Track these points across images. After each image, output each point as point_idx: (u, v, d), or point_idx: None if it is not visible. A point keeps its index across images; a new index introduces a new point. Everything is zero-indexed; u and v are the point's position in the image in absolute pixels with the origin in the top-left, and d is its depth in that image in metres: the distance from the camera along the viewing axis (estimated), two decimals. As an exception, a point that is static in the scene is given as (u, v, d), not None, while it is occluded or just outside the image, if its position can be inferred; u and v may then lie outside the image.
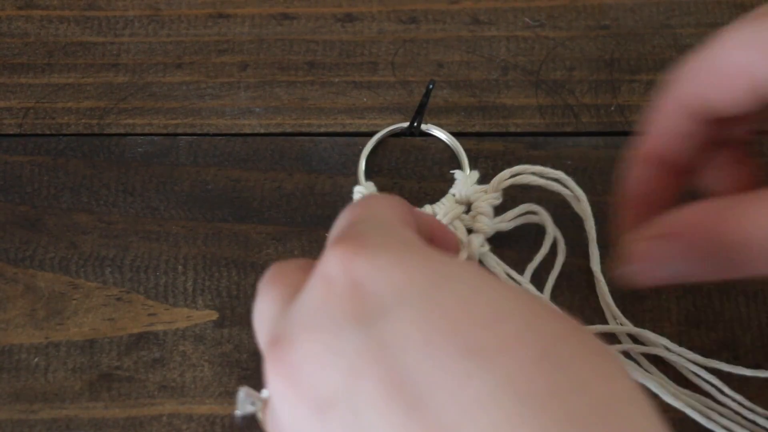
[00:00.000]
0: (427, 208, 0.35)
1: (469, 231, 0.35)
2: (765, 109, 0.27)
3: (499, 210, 0.35)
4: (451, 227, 0.34)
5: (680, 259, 0.26)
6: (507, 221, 0.35)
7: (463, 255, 0.33)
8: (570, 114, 0.38)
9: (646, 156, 0.30)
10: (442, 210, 0.35)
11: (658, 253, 0.27)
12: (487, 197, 0.34)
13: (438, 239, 0.28)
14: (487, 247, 0.34)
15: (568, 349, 0.20)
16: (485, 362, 0.20)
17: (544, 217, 0.34)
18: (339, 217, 0.26)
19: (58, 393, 0.33)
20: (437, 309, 0.21)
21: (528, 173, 0.35)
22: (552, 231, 0.34)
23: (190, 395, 0.33)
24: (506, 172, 0.35)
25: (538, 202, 0.35)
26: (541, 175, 0.35)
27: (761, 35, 0.25)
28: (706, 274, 0.28)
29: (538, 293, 0.34)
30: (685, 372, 0.33)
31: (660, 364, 0.33)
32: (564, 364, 0.20)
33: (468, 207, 0.35)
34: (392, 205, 0.26)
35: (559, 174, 0.35)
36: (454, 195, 0.35)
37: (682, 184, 0.30)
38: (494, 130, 0.38)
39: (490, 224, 0.34)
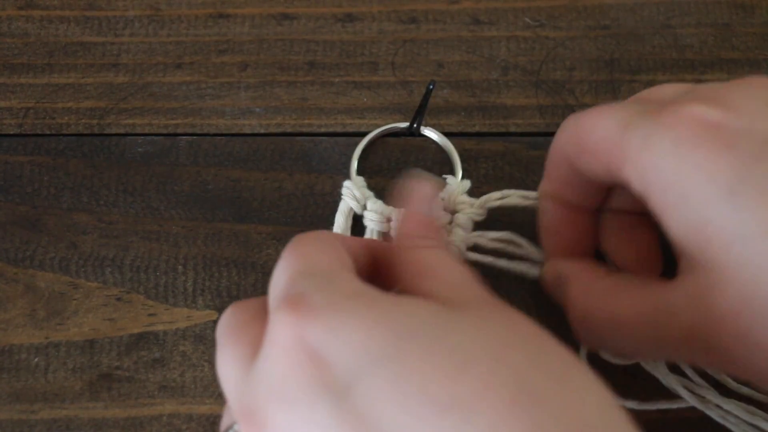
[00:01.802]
0: None
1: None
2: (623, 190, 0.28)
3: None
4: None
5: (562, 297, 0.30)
6: (486, 239, 0.34)
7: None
8: (570, 114, 0.38)
9: (548, 194, 0.31)
10: None
11: (554, 286, 0.31)
12: (471, 211, 0.34)
13: (380, 257, 0.28)
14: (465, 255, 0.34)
15: (540, 376, 0.21)
16: (463, 416, 0.20)
17: (528, 250, 0.33)
18: (276, 269, 0.25)
19: (58, 393, 0.33)
20: (403, 367, 0.21)
21: (515, 196, 0.34)
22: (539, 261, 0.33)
23: (190, 395, 0.33)
24: (495, 194, 0.34)
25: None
26: (527, 198, 0.34)
27: (623, 122, 0.27)
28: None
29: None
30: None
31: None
32: (539, 396, 0.20)
33: (453, 215, 0.35)
34: (326, 249, 0.25)
35: None
36: (443, 199, 0.35)
37: (593, 222, 0.32)
38: (494, 130, 0.38)
39: (465, 238, 0.34)
